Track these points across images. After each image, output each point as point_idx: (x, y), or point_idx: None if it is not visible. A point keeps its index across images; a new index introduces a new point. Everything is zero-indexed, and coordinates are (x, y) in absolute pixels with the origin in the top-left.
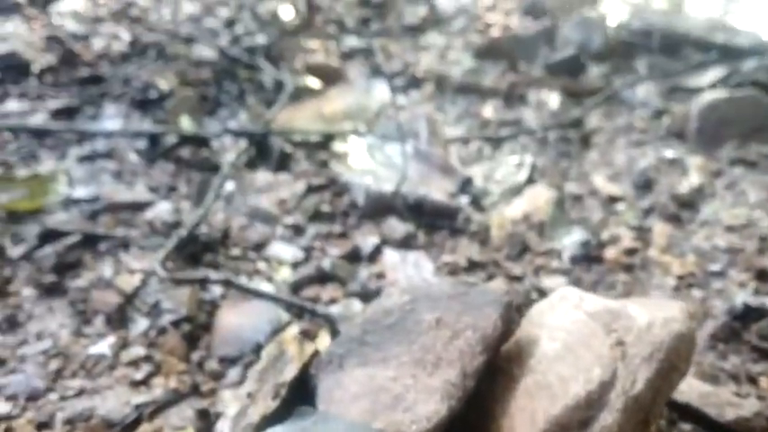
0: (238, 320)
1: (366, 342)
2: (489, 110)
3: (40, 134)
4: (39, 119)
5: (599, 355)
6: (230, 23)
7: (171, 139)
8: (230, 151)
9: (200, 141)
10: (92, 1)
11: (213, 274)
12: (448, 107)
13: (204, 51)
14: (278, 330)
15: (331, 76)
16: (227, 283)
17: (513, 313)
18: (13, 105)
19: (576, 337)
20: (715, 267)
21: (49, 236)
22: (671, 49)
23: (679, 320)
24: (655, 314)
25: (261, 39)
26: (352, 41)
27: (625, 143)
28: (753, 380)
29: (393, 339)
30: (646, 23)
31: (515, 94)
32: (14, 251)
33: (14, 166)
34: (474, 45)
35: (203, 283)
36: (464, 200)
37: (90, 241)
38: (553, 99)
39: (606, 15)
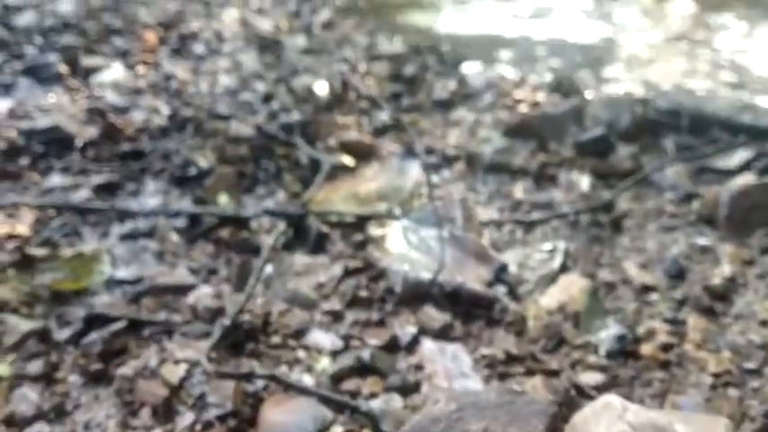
0: (283, 418)
1: None
2: (520, 190)
3: (82, 211)
4: (82, 194)
5: None
6: (267, 98)
7: (211, 219)
8: (268, 232)
9: (239, 222)
10: (132, 72)
11: (258, 370)
12: (479, 186)
13: (241, 127)
14: (322, 430)
15: (364, 153)
16: (271, 378)
17: (559, 422)
18: (56, 180)
19: None
20: (750, 365)
21: (94, 320)
22: (698, 129)
23: None
24: None
25: (296, 115)
26: (383, 117)
27: (656, 228)
28: None
29: None
30: (673, 103)
31: (546, 174)
32: (60, 334)
33: (58, 243)
34: (503, 121)
35: (248, 377)
36: (500, 289)
37: (134, 326)
38: (583, 180)
39: (634, 94)
